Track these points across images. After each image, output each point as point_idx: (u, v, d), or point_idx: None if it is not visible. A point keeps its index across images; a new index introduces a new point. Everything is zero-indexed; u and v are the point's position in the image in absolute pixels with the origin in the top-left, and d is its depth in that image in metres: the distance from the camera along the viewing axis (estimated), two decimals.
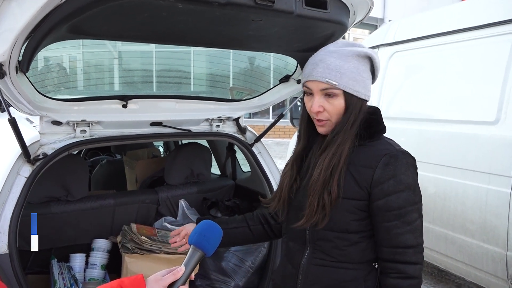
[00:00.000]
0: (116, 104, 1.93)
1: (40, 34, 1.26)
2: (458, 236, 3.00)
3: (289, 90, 2.21)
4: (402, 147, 1.33)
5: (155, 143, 3.95)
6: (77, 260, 2.26)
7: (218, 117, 2.27)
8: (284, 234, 1.47)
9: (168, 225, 2.44)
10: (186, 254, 2.25)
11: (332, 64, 1.27)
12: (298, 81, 2.17)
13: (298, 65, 2.11)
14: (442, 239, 3.13)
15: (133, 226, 2.32)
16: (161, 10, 1.28)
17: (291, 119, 4.74)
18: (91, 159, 4.17)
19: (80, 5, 1.18)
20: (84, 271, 2.28)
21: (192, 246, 1.13)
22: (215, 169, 3.10)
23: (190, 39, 1.62)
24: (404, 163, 1.26)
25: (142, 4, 1.21)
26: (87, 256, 2.31)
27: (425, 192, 3.19)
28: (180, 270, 1.07)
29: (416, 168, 1.31)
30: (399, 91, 3.70)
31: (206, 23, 1.46)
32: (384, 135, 1.37)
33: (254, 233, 1.58)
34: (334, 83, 1.26)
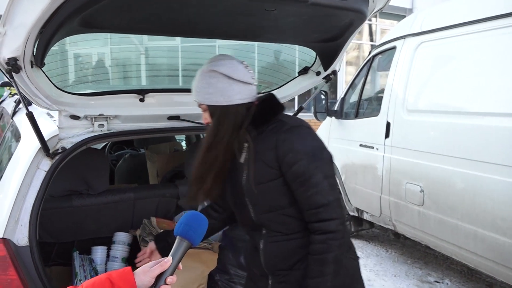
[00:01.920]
0: (134, 98, 1.93)
1: (52, 29, 1.27)
2: (488, 234, 2.87)
3: (308, 82, 2.16)
4: (298, 120, 1.50)
5: (177, 138, 3.97)
6: (99, 252, 2.29)
7: None
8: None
9: None
10: (204, 249, 2.25)
11: (193, 86, 1.50)
12: (318, 73, 2.12)
13: (317, 56, 2.06)
14: (471, 236, 3.01)
15: (153, 219, 2.33)
16: (171, 2, 1.25)
17: (315, 113, 4.67)
18: (116, 153, 4.24)
19: None
20: (106, 263, 2.31)
21: (178, 236, 1.12)
22: None
23: (204, 31, 1.59)
24: (300, 134, 1.44)
25: None
26: (109, 249, 2.34)
27: (453, 188, 3.10)
28: (167, 261, 1.08)
29: (313, 134, 1.48)
30: (427, 83, 3.57)
31: (219, 14, 1.43)
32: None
33: (216, 224, 1.81)
34: (195, 100, 1.50)
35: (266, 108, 1.50)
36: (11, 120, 2.50)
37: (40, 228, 2.20)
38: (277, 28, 1.68)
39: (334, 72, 2.09)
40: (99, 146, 4.38)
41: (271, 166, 1.44)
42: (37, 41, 1.32)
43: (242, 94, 1.46)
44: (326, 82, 2.15)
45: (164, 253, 1.81)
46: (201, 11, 1.37)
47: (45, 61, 1.53)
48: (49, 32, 1.28)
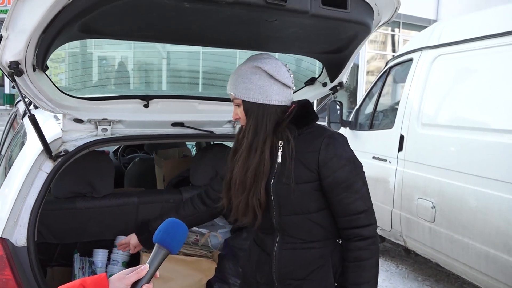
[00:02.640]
0: (138, 104, 1.94)
1: (52, 34, 1.29)
2: (501, 255, 2.77)
3: (315, 93, 2.13)
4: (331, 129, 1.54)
5: (188, 143, 3.98)
6: (100, 255, 2.30)
7: None
8: (249, 226, 1.64)
9: None
10: (204, 257, 2.23)
11: (231, 79, 1.48)
12: (324, 84, 2.09)
13: (324, 67, 2.03)
14: (483, 257, 2.91)
15: None
16: (169, 10, 1.26)
17: (329, 123, 4.62)
18: (128, 156, 4.28)
19: (87, 5, 1.18)
20: (106, 266, 2.32)
21: (156, 244, 1.11)
22: None
23: (204, 39, 1.59)
24: (341, 142, 1.45)
25: (147, 4, 1.20)
26: (110, 252, 2.35)
27: (465, 205, 3.01)
28: (144, 269, 1.06)
29: (349, 144, 1.49)
30: (443, 97, 3.49)
31: (219, 23, 1.43)
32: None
33: (204, 216, 1.85)
34: (232, 94, 1.47)
35: (306, 112, 1.50)
36: (21, 121, 2.55)
37: (44, 228, 2.24)
38: (281, 38, 1.67)
39: (341, 84, 2.06)
40: (112, 149, 4.44)
41: (310, 168, 1.42)
42: (38, 45, 1.34)
43: (281, 96, 1.45)
44: (333, 94, 2.12)
45: (146, 244, 1.87)
46: (200, 19, 1.37)
47: (49, 65, 1.56)
48: (50, 37, 1.30)
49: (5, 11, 15.62)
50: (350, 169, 1.41)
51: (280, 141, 1.45)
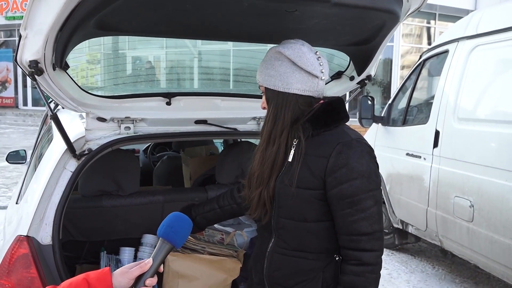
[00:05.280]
0: (160, 102, 1.93)
1: (68, 31, 1.28)
2: None
3: (341, 88, 2.05)
4: (360, 135, 1.35)
5: (215, 141, 3.96)
6: (126, 253, 2.30)
7: None
8: (257, 221, 1.54)
9: (215, 225, 2.40)
10: (229, 257, 2.20)
11: (259, 65, 1.40)
12: (351, 78, 2.01)
13: (351, 60, 1.95)
14: None
15: None
16: (184, 3, 1.22)
17: (360, 119, 4.49)
18: (157, 154, 4.32)
19: (100, 0, 1.16)
20: None
21: (160, 238, 1.10)
22: None
23: (224, 33, 1.55)
24: (358, 151, 1.28)
25: None
26: (137, 251, 2.36)
27: (507, 204, 2.83)
28: (147, 263, 1.06)
29: (373, 155, 1.33)
30: (481, 89, 3.30)
31: (237, 15, 1.38)
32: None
33: (225, 213, 1.76)
34: (258, 79, 1.39)
35: (331, 110, 1.36)
36: (50, 120, 2.60)
37: (71, 226, 2.27)
38: (304, 30, 1.60)
39: (369, 77, 1.97)
40: (142, 147, 4.50)
41: (315, 174, 1.30)
42: (56, 43, 1.33)
43: (303, 84, 1.32)
44: (361, 88, 2.03)
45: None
46: (217, 11, 1.32)
47: (70, 63, 1.56)
48: (66, 35, 1.29)
49: (12, 18, 16.35)
50: (360, 184, 1.26)
51: (295, 139, 1.35)
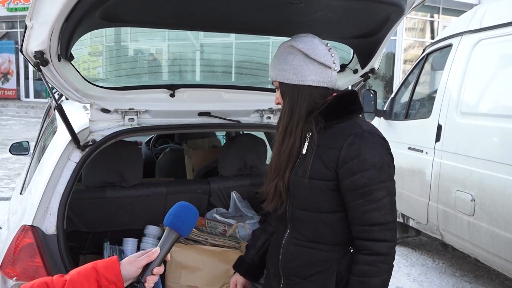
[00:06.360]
0: (164, 94, 1.93)
1: (74, 22, 1.28)
2: None
3: (345, 80, 2.05)
4: (373, 127, 1.36)
5: (217, 133, 3.97)
6: (129, 244, 2.32)
7: (269, 109, 2.18)
8: (273, 213, 1.54)
9: (218, 217, 2.42)
10: (231, 248, 2.21)
11: (271, 61, 1.41)
12: (355, 71, 2.00)
13: (354, 53, 1.94)
14: None
15: None
16: None
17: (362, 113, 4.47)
18: (160, 147, 4.32)
19: None
20: None
21: (167, 227, 1.12)
22: None
23: (228, 25, 1.55)
24: (370, 143, 1.29)
25: None
26: (140, 242, 2.37)
27: (508, 199, 2.83)
28: (155, 252, 1.07)
29: (386, 147, 1.34)
30: (484, 84, 3.30)
31: (243, 8, 1.38)
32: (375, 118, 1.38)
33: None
34: (271, 75, 1.41)
35: (344, 102, 1.37)
36: (54, 111, 2.61)
37: (75, 217, 2.28)
38: (309, 23, 1.60)
39: (373, 70, 1.97)
40: (145, 139, 4.50)
41: (328, 166, 1.31)
42: (62, 34, 1.34)
43: (317, 76, 1.34)
44: (364, 81, 2.03)
45: (251, 276, 1.74)
46: (223, 4, 1.32)
47: (75, 54, 1.56)
48: (72, 26, 1.29)
49: (14, 9, 16.31)
50: (372, 175, 1.27)
51: (309, 132, 1.37)
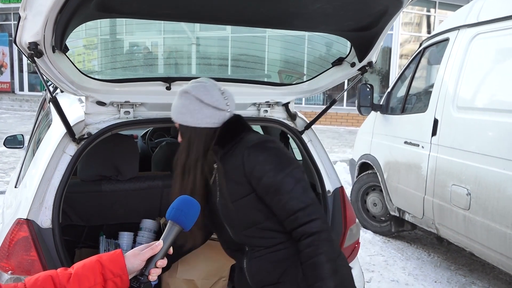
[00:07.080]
0: (160, 86, 1.91)
1: (68, 13, 1.26)
2: None
3: (342, 74, 2.04)
4: (261, 136, 1.55)
5: None
6: (125, 238, 2.32)
7: (266, 102, 2.16)
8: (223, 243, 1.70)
9: None
10: None
11: (172, 105, 1.56)
12: (352, 64, 1.99)
13: (352, 46, 1.93)
14: None
15: None
16: None
17: (358, 107, 4.48)
18: (156, 140, 4.30)
19: None
20: (131, 249, 2.33)
21: (170, 221, 1.14)
22: None
23: (227, 17, 1.53)
24: (260, 149, 1.45)
25: None
26: (135, 235, 2.36)
27: (504, 193, 2.85)
28: (158, 245, 1.09)
29: (277, 146, 1.49)
30: (481, 78, 3.30)
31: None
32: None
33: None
34: (172, 117, 1.56)
35: (231, 127, 1.54)
36: (48, 104, 2.59)
37: (70, 211, 2.27)
38: (307, 15, 1.59)
39: (370, 64, 1.95)
40: (140, 133, 4.48)
41: (240, 182, 1.45)
42: (56, 25, 1.31)
43: (212, 118, 1.50)
44: (362, 74, 2.02)
45: None
46: None
47: (70, 47, 1.54)
48: (66, 16, 1.27)
49: (8, 1, 16.14)
50: (274, 173, 1.41)
51: (214, 164, 1.52)
